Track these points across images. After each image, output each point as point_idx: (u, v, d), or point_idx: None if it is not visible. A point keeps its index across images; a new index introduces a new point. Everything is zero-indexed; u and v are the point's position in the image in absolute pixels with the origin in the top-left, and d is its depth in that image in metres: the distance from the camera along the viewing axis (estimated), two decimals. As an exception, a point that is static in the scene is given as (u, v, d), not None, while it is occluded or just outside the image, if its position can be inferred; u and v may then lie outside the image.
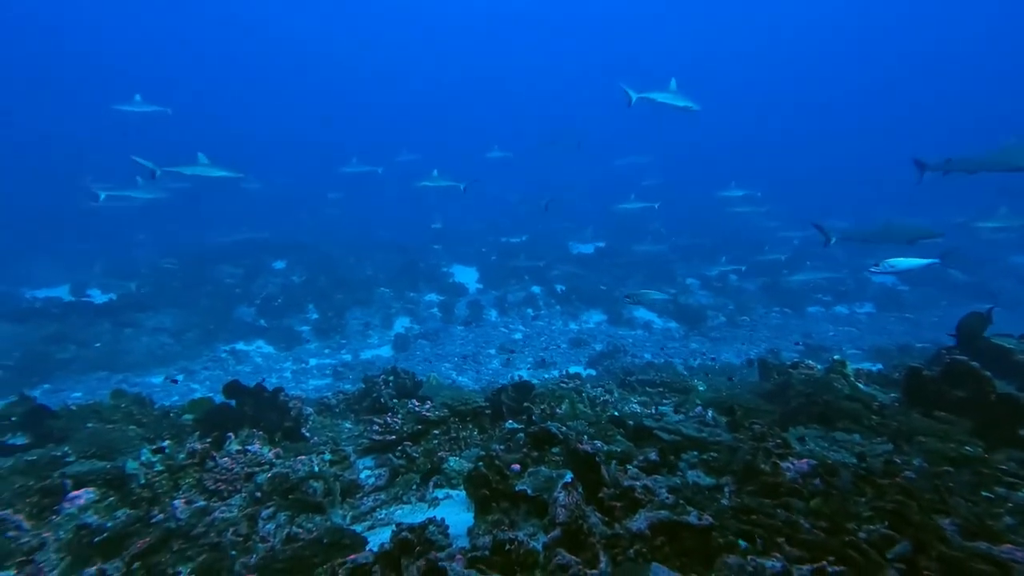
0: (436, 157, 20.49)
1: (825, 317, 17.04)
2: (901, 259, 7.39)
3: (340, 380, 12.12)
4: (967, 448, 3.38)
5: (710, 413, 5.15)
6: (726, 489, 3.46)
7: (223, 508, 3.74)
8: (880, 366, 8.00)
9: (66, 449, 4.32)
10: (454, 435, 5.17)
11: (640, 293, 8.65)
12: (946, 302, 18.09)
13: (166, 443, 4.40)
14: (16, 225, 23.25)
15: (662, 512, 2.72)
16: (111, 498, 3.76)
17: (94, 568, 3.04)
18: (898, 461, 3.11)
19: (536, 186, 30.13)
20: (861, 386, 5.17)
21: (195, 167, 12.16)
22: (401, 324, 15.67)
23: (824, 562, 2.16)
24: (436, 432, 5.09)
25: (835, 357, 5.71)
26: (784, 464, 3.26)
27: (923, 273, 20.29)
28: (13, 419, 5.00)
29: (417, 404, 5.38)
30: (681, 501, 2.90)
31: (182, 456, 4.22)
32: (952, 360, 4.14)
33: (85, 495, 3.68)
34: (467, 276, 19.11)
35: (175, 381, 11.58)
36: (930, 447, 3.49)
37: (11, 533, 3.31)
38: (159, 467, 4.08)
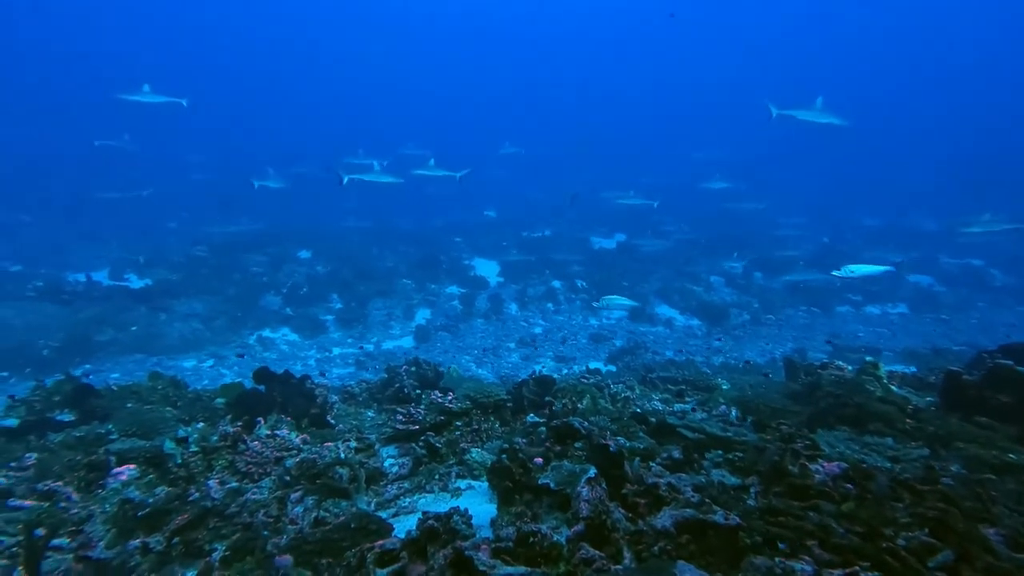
0: (451, 153, 20.62)
1: (855, 317, 16.50)
2: (860, 265, 7.84)
3: (363, 369, 12.35)
4: (1011, 456, 3.25)
5: (734, 412, 5.08)
6: (752, 490, 3.41)
7: (254, 490, 3.88)
8: (914, 368, 7.72)
9: (110, 427, 4.53)
10: (476, 427, 5.22)
11: (608, 299, 8.90)
12: (984, 304, 17.31)
13: (199, 426, 4.57)
14: (59, 210, 24.32)
15: (687, 510, 2.71)
16: (151, 475, 3.94)
17: (138, 540, 3.20)
18: (936, 467, 3.01)
19: (561, 182, 29.98)
20: (895, 388, 5.01)
21: (371, 175, 14.70)
22: (422, 316, 15.84)
23: (857, 567, 2.12)
24: (458, 423, 5.16)
25: (867, 358, 5.54)
26: (813, 466, 3.19)
27: (961, 273, 19.55)
28: (60, 397, 5.27)
29: (440, 395, 5.45)
30: (707, 500, 2.88)
31: (215, 438, 4.38)
32: (996, 364, 3.97)
33: (128, 471, 3.87)
34: (488, 269, 19.16)
35: (241, 356, 12.29)
36: (970, 453, 3.37)
37: (62, 504, 3.51)
38: (194, 448, 4.24)
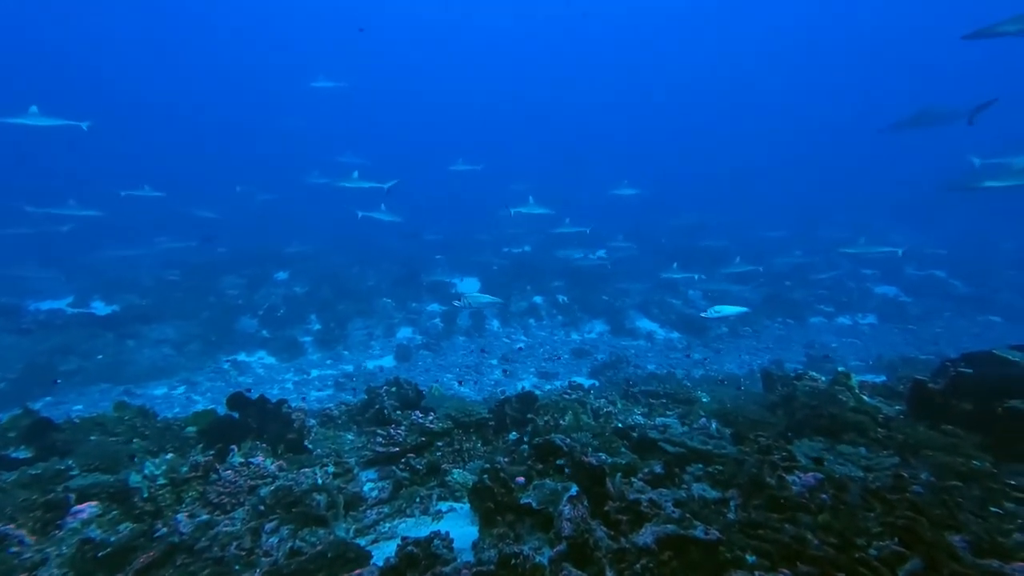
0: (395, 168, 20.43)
1: (828, 328, 16.99)
2: (724, 306, 9.44)
3: (342, 391, 12.09)
4: (975, 462, 3.36)
5: (714, 425, 5.13)
6: (732, 503, 3.44)
7: (226, 522, 3.72)
8: (884, 378, 7.96)
9: (69, 462, 4.30)
10: (458, 447, 5.15)
11: (470, 296, 8.99)
12: (949, 313, 18.05)
13: (168, 457, 4.38)
14: (18, 237, 23.25)
15: (669, 526, 2.71)
16: (114, 512, 3.74)
17: (97, 583, 3.03)
18: (905, 475, 3.09)
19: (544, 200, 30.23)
20: (866, 398, 5.14)
21: (528, 207, 16.40)
22: (403, 334, 15.68)
23: (833, 578, 2.15)
24: (440, 444, 5.08)
25: (839, 369, 5.69)
26: (790, 478, 3.24)
27: (926, 284, 20.42)
28: (16, 433, 5.00)
29: (420, 415, 5.37)
30: (687, 515, 2.89)
31: (185, 469, 4.20)
32: (957, 373, 4.13)
33: (88, 509, 3.66)
34: (469, 286, 19.14)
35: (248, 390, 11.94)
36: (938, 461, 3.47)
37: (14, 548, 3.29)
38: (162, 480, 4.06)
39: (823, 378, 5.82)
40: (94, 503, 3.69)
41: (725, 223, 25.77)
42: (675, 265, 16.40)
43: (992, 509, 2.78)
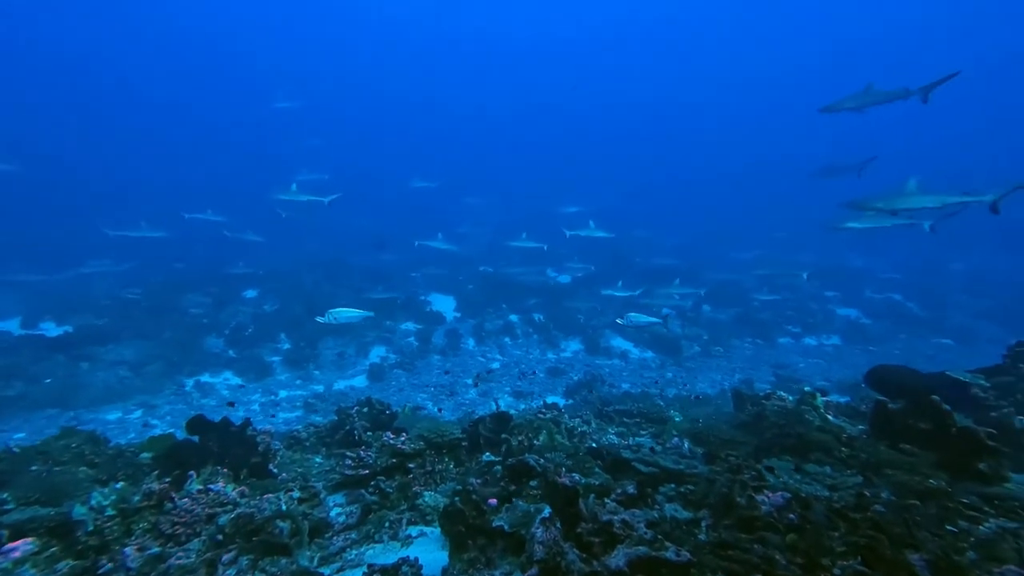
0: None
1: (795, 349, 17.53)
2: (637, 315, 10.32)
3: (312, 412, 11.70)
4: (931, 481, 3.48)
5: (687, 444, 5.18)
6: (703, 523, 3.46)
7: (180, 554, 3.50)
8: (848, 398, 8.24)
9: (4, 496, 3.97)
10: (430, 469, 5.03)
11: (335, 312, 8.95)
12: (905, 335, 18.91)
13: (118, 486, 4.12)
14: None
15: (640, 548, 2.70)
16: (53, 548, 3.47)
17: (29, 626, 2.78)
18: (868, 494, 3.17)
19: (515, 219, 30.54)
20: (831, 418, 5.30)
21: (586, 230, 16.61)
22: (376, 354, 15.36)
23: (801, 598, 2.16)
24: (411, 466, 4.95)
25: (805, 388, 5.86)
26: (760, 497, 3.28)
27: (884, 307, 21.39)
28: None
29: (392, 436, 5.23)
30: (659, 536, 2.88)
31: (137, 498, 3.95)
32: (915, 393, 4.30)
33: (23, 546, 3.37)
34: (445, 305, 19.01)
35: (231, 404, 11.35)
36: (898, 480, 3.58)
37: (-65, 590, 3.00)
38: (111, 511, 3.80)
39: (791, 398, 5.99)
40: (30, 539, 3.41)
41: (687, 243, 26.57)
42: (620, 283, 16.56)
43: (948, 527, 2.88)
